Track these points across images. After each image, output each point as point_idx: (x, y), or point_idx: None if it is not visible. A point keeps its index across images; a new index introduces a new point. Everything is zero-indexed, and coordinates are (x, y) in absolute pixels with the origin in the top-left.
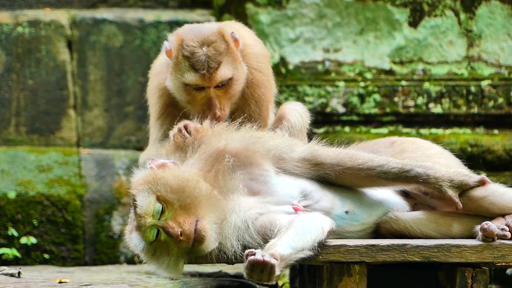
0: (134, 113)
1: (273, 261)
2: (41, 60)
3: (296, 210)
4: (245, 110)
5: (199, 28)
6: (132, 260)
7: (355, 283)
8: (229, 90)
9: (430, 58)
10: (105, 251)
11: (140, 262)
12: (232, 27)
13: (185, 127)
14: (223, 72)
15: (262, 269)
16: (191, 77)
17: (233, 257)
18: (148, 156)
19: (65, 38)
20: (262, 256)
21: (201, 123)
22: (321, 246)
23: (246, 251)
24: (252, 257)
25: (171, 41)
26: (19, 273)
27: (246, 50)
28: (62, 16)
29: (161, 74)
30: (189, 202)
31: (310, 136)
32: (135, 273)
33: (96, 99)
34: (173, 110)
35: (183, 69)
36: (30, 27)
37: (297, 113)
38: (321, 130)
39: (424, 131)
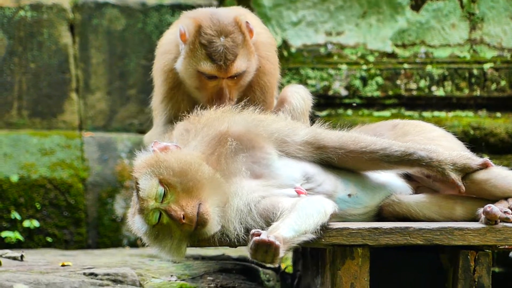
0: (137, 96)
1: (277, 242)
2: (43, 44)
3: (298, 193)
4: (250, 96)
5: (216, 15)
6: (134, 243)
7: (358, 266)
8: (240, 81)
9: (433, 41)
10: (107, 234)
11: (143, 245)
12: (242, 14)
13: None
14: (239, 65)
15: (266, 249)
16: (206, 67)
17: (235, 240)
18: (152, 138)
19: (67, 22)
20: (268, 236)
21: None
22: (324, 229)
23: (252, 231)
24: (258, 237)
25: (187, 24)
26: (22, 256)
27: (256, 39)
28: None
29: (168, 54)
30: (191, 185)
31: (313, 119)
32: (137, 256)
33: (99, 82)
34: (177, 93)
35: (198, 56)
36: (32, 11)
37: (299, 96)
38: (324, 113)
39: (426, 114)
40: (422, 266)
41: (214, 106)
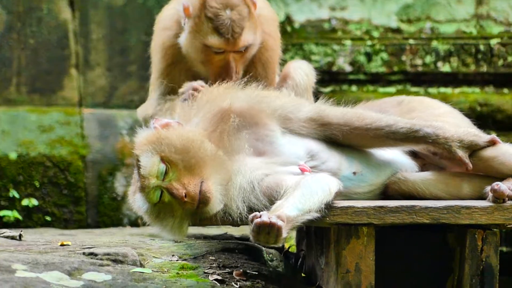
0: (137, 72)
1: (279, 222)
2: (42, 19)
3: (302, 171)
4: (251, 72)
5: None
6: (135, 222)
7: (363, 245)
8: (245, 55)
9: (438, 16)
10: (108, 213)
11: (144, 224)
12: None
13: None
14: (246, 38)
15: (268, 231)
16: (214, 40)
17: (238, 219)
18: (147, 111)
19: None
20: (269, 218)
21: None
22: (328, 207)
23: (251, 215)
24: (258, 219)
25: None
26: (20, 235)
27: (259, 13)
28: None
29: (167, 30)
30: (193, 163)
31: (317, 95)
32: (138, 235)
33: (99, 58)
34: (175, 70)
35: (205, 30)
36: None
37: (302, 71)
38: (328, 89)
39: (432, 90)
40: (428, 246)
41: (220, 81)
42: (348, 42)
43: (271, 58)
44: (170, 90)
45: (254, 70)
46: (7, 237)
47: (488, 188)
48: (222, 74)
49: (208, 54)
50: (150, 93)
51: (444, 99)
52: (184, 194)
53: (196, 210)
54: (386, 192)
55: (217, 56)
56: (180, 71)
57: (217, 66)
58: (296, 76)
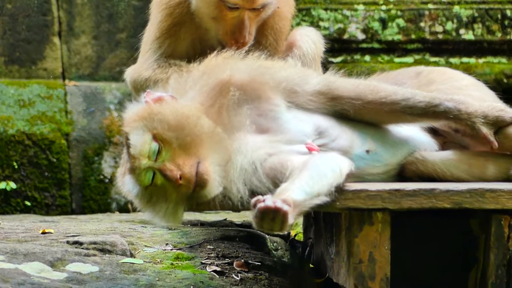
0: (127, 40)
1: (285, 207)
2: None
3: (310, 150)
4: (261, 41)
5: None
6: (125, 208)
7: (377, 232)
8: (260, 14)
9: None
10: (94, 197)
11: (134, 209)
12: None
13: None
14: None
15: (273, 217)
16: None
17: (239, 204)
18: (142, 74)
19: None
20: (273, 202)
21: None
22: (339, 191)
23: (254, 199)
24: (262, 204)
25: None
26: None
27: None
28: None
29: None
30: (189, 141)
31: (326, 66)
32: (128, 222)
33: (84, 25)
34: (180, 31)
35: None
36: None
37: (310, 39)
38: (338, 59)
39: (454, 60)
40: (449, 233)
41: (232, 41)
42: (360, 7)
43: (284, 28)
44: (170, 54)
45: (265, 40)
46: None
47: None
48: (234, 33)
49: (222, 10)
50: (144, 53)
51: (467, 70)
52: (178, 176)
53: (192, 194)
54: (402, 174)
55: (230, 13)
56: (186, 32)
57: (230, 24)
58: (303, 45)
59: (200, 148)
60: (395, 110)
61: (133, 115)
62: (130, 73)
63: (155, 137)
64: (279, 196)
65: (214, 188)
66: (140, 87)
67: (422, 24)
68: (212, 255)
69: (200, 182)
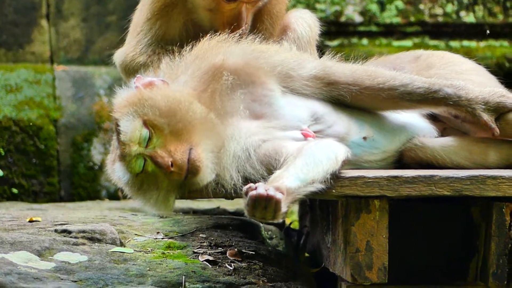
0: (117, 23)
1: (278, 195)
2: None
3: (305, 136)
4: (256, 26)
5: None
6: (115, 195)
7: (375, 220)
8: (257, 4)
9: None
10: (83, 184)
11: (125, 197)
12: None
13: None
14: None
15: (265, 205)
16: None
17: (232, 191)
18: (130, 56)
19: None
20: (266, 190)
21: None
22: (335, 178)
23: (245, 187)
24: (254, 191)
25: None
26: None
27: None
28: None
29: None
30: (181, 127)
31: (322, 49)
32: (118, 210)
33: (73, 7)
34: (172, 13)
35: None
36: None
37: (305, 22)
38: (335, 43)
39: (454, 43)
40: (449, 221)
41: (229, 31)
42: None
43: (281, 12)
44: (161, 37)
45: (261, 25)
46: None
47: None
48: (232, 25)
49: (219, 3)
50: (134, 35)
51: (468, 53)
52: (170, 163)
53: (184, 181)
54: (401, 160)
55: (228, 5)
56: (178, 14)
57: (227, 16)
58: (297, 28)
59: (192, 134)
60: (393, 96)
61: (123, 101)
62: (120, 55)
63: (146, 123)
64: (272, 184)
65: (206, 175)
66: (130, 71)
67: (421, 7)
68: (205, 244)
69: (192, 169)
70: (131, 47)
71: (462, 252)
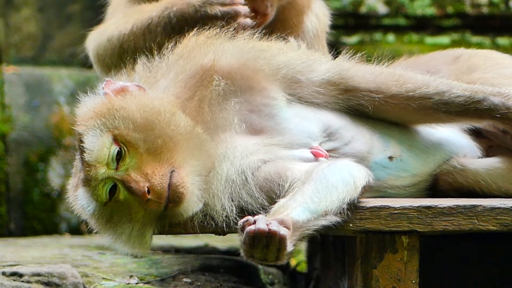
0: (81, 14)
1: (283, 231)
2: None
3: (316, 155)
4: (283, 20)
5: None
6: (77, 229)
7: (402, 262)
8: None
9: None
10: (38, 215)
11: (90, 231)
12: None
13: None
14: None
15: (267, 243)
16: None
17: (224, 225)
18: (107, 34)
19: None
20: (267, 224)
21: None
22: (353, 208)
23: (242, 220)
24: (252, 226)
25: None
26: None
27: None
28: None
29: None
30: (160, 144)
31: (337, 47)
32: (82, 247)
33: None
34: None
35: None
36: None
37: (312, 12)
38: (353, 39)
39: (502, 40)
40: (494, 261)
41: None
42: None
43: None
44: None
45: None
46: None
47: None
48: (253, 10)
49: None
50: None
51: None
52: (146, 189)
53: (164, 212)
54: (435, 187)
55: None
56: None
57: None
58: None
59: (174, 153)
60: (426, 106)
61: (89, 111)
62: (95, 39)
63: (117, 139)
64: (275, 216)
65: (192, 205)
66: (107, 56)
67: None
68: None
69: (174, 197)
70: (113, 23)
71: None
